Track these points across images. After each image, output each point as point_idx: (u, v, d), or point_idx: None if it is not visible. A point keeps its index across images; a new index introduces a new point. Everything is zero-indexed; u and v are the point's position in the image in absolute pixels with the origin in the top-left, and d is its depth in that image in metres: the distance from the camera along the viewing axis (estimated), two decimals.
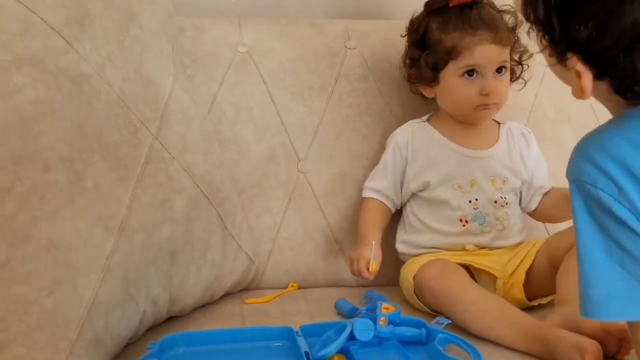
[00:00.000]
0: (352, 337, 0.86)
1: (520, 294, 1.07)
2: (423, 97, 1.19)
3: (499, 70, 1.11)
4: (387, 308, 0.93)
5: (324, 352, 0.82)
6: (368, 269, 1.06)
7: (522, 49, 1.17)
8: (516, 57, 1.17)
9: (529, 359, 0.90)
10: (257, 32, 1.25)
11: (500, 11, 1.14)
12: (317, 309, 1.07)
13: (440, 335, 0.89)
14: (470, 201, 1.12)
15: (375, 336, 0.88)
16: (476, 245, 1.11)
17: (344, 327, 0.86)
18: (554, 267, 1.03)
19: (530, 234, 1.19)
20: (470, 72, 1.10)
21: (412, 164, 1.16)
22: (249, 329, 0.96)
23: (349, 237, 1.22)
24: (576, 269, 0.97)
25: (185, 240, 0.95)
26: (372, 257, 1.07)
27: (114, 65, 0.89)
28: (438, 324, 0.91)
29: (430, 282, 1.01)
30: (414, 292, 1.05)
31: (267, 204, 1.20)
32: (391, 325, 0.90)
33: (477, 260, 1.09)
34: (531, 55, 1.18)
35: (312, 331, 0.89)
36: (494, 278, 1.08)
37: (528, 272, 1.07)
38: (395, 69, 1.25)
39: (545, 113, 1.32)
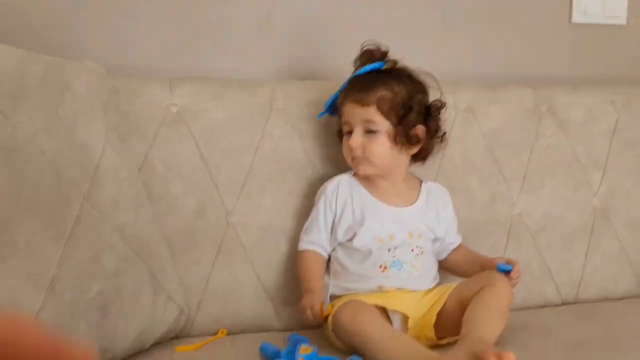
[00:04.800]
0: None
1: (431, 332, 1.16)
2: None
3: (369, 130, 1.22)
4: (305, 349, 1.01)
5: None
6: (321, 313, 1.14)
7: (410, 118, 1.22)
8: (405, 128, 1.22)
9: None
10: (188, 93, 1.33)
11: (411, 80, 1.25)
12: (244, 353, 1.13)
13: None
14: (389, 250, 1.22)
15: None
16: (392, 288, 1.20)
17: None
18: (463, 309, 1.12)
19: (444, 280, 1.29)
20: (348, 130, 1.24)
21: (340, 216, 1.26)
22: None
23: (275, 284, 1.30)
24: (480, 311, 1.09)
25: (115, 294, 1.01)
26: (327, 301, 1.16)
27: (49, 134, 0.96)
28: None
29: (345, 322, 1.08)
30: (332, 331, 1.13)
31: (197, 257, 1.27)
32: None
33: (392, 302, 1.17)
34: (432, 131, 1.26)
35: None
36: (406, 318, 1.17)
37: (439, 313, 1.16)
38: (318, 127, 1.36)
39: (454, 164, 1.44)
